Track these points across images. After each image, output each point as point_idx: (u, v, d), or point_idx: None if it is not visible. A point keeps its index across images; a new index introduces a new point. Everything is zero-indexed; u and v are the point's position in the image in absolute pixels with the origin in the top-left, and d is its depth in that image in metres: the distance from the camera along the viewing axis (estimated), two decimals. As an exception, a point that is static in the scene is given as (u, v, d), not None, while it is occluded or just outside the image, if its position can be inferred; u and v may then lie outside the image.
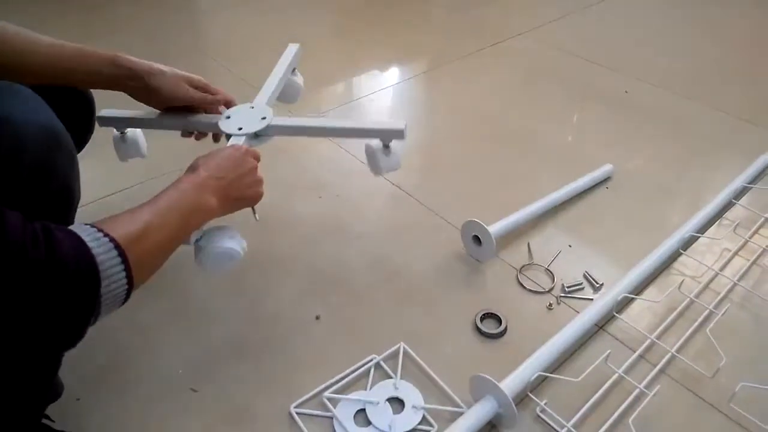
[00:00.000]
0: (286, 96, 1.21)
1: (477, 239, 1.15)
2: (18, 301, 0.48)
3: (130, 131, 1.08)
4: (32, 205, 0.60)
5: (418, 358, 0.96)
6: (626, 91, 1.81)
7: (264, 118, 1.00)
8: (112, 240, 0.55)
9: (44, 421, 0.80)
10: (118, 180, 1.32)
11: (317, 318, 1.04)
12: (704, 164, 1.49)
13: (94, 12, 2.21)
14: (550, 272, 1.15)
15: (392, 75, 1.92)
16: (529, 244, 1.21)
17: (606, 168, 1.41)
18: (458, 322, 1.04)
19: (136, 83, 0.89)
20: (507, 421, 0.85)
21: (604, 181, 1.41)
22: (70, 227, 0.54)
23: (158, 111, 1.00)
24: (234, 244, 0.82)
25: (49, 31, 0.81)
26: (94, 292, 0.52)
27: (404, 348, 0.98)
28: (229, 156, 0.81)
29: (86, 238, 0.53)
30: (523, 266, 1.16)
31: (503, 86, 1.85)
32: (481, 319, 1.03)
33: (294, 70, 1.22)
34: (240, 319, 1.03)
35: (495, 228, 1.14)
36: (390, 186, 1.38)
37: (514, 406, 0.82)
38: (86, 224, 0.55)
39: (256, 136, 1.00)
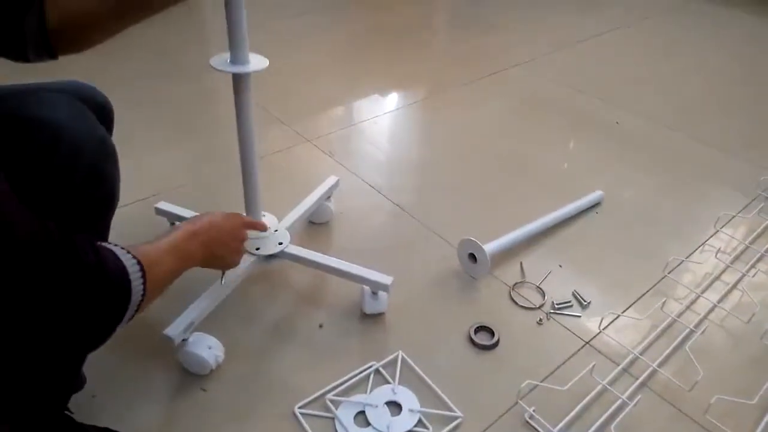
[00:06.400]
0: (316, 217, 1.35)
1: (472, 257, 1.21)
2: (68, 302, 0.53)
3: None
4: (80, 208, 0.66)
5: (415, 366, 1.02)
6: (617, 122, 1.89)
7: (281, 244, 1.11)
8: (138, 262, 0.61)
9: (66, 413, 0.86)
10: (133, 192, 1.38)
11: (320, 326, 1.10)
12: (689, 193, 1.57)
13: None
14: (541, 290, 1.21)
15: (393, 101, 2.00)
16: (521, 263, 1.28)
17: (596, 194, 1.48)
18: (454, 333, 1.10)
19: None
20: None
21: (594, 206, 1.48)
22: (108, 245, 0.60)
23: None
24: (208, 355, 0.96)
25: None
26: (127, 300, 0.59)
27: (402, 356, 1.04)
28: (228, 221, 0.87)
29: (122, 257, 0.59)
30: (516, 284, 1.22)
31: (500, 114, 1.93)
32: (475, 332, 1.09)
33: (329, 197, 1.35)
34: (247, 325, 1.09)
35: (490, 247, 1.21)
36: (391, 205, 1.45)
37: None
38: (116, 245, 0.61)
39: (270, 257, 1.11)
